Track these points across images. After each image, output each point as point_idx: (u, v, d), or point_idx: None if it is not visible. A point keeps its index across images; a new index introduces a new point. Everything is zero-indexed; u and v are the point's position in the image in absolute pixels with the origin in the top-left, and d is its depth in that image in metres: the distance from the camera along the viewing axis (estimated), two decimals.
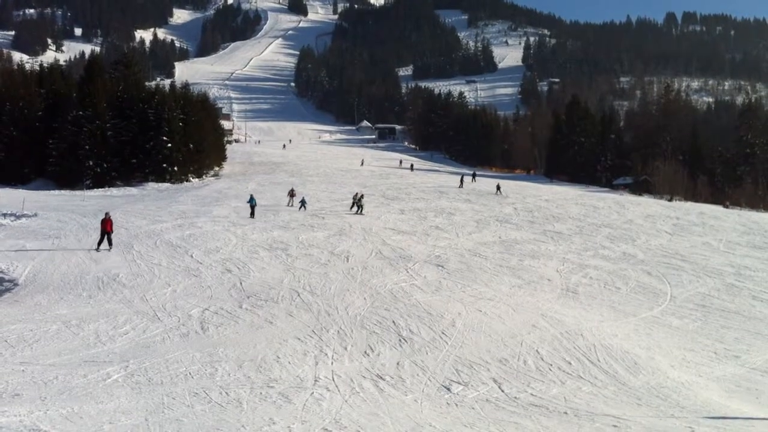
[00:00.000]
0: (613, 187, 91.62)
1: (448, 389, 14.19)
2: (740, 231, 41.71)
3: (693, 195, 76.91)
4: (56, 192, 58.10)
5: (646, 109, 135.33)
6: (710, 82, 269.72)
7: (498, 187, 57.78)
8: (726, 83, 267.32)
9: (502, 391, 14.31)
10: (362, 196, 44.54)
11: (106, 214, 30.28)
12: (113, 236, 30.06)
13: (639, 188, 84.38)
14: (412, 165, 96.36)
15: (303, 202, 43.93)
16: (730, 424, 12.64)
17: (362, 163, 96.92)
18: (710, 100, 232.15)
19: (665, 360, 18.02)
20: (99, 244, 29.17)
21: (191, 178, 70.67)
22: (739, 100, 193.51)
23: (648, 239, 37.26)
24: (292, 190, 48.21)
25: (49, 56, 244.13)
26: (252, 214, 39.08)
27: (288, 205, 45.12)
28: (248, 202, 40.66)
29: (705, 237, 38.87)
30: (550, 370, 16.08)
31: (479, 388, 14.37)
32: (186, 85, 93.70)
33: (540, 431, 11.25)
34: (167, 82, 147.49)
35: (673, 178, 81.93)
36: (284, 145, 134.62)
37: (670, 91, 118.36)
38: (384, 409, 12.17)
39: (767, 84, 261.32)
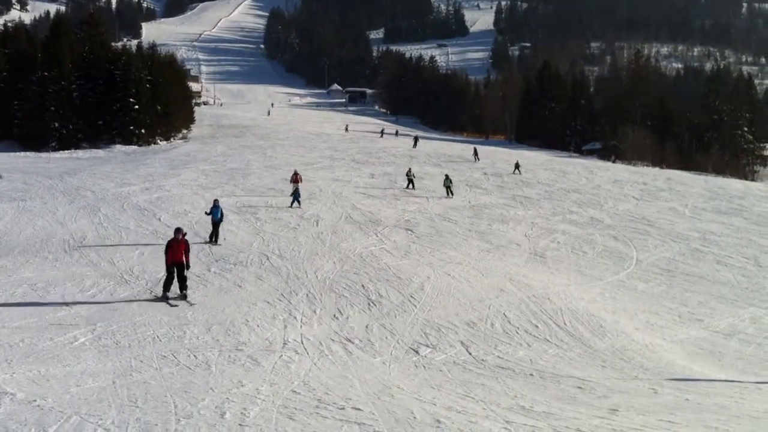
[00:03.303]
0: (582, 152, 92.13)
1: (417, 352, 14.30)
2: (706, 197, 42.22)
3: (661, 160, 77.56)
4: (21, 154, 57.27)
5: (616, 75, 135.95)
6: (680, 48, 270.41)
7: (516, 165, 49.13)
8: (695, 49, 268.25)
9: (470, 353, 14.45)
10: (447, 176, 39.28)
11: (178, 231, 17.15)
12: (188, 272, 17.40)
13: (608, 154, 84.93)
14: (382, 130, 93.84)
15: (296, 196, 32.69)
16: (692, 385, 12.88)
17: (346, 129, 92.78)
18: (679, 66, 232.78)
19: (630, 323, 18.31)
20: (167, 286, 16.86)
21: (159, 141, 69.94)
22: (708, 66, 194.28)
23: (615, 204, 37.61)
24: (296, 175, 36.36)
25: (13, 15, 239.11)
26: (214, 237, 24.72)
27: (291, 196, 33.52)
28: (209, 212, 25.39)
29: (671, 202, 39.30)
30: (517, 333, 16.26)
31: (447, 351, 14.50)
32: (153, 46, 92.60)
33: (506, 392, 11.39)
34: (134, 42, 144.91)
35: (641, 144, 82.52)
36: (269, 112, 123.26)
37: (639, 56, 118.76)
38: (352, 372, 12.24)
39: (736, 50, 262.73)
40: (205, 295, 17.76)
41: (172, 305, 15.95)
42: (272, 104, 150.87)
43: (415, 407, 9.91)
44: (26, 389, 10.07)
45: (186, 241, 16.96)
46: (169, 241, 16.86)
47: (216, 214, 24.78)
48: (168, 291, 16.49)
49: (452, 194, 37.91)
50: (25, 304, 16.52)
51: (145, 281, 18.90)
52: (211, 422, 8.73)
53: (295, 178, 35.68)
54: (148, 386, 10.44)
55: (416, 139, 72.31)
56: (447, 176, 39.43)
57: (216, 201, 25.72)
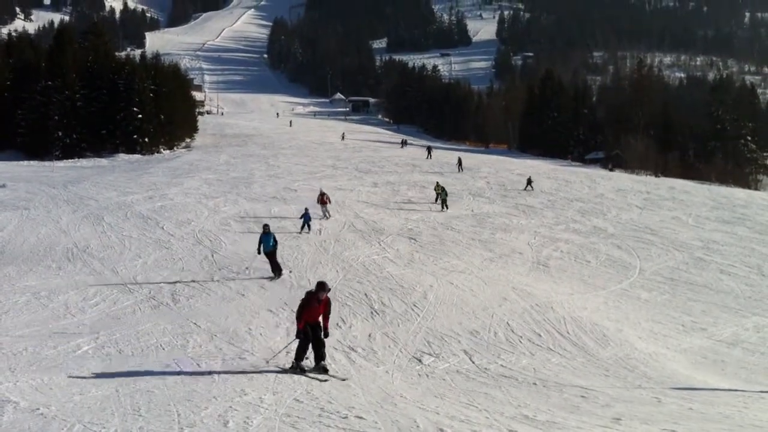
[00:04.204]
0: (585, 161, 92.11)
1: (420, 361, 14.28)
2: (710, 206, 42.14)
3: (663, 170, 77.50)
4: (25, 163, 57.45)
5: (618, 84, 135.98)
6: (682, 57, 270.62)
7: (529, 181, 45.30)
8: (698, 59, 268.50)
9: (473, 362, 14.42)
10: (442, 188, 37.38)
11: (322, 288, 12.66)
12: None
13: (613, 163, 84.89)
14: (404, 141, 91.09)
15: (306, 219, 28.61)
16: (696, 394, 12.84)
17: (343, 137, 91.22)
18: (682, 75, 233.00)
19: (633, 332, 18.26)
20: (300, 355, 12.64)
21: (162, 150, 70.15)
22: (711, 75, 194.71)
23: (618, 213, 37.54)
24: (322, 195, 32.91)
25: (17, 25, 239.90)
26: (276, 271, 21.00)
27: (324, 217, 31.72)
28: (260, 249, 21.21)
29: (675, 211, 39.23)
30: (520, 342, 16.23)
31: (450, 360, 14.47)
32: (157, 56, 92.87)
33: (509, 401, 11.37)
34: (138, 52, 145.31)
35: (644, 154, 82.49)
36: (291, 122, 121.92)
37: (642, 66, 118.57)
38: (355, 380, 12.22)
39: (739, 60, 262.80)
40: (208, 303, 17.80)
41: (320, 380, 11.91)
42: (277, 114, 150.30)
43: (418, 416, 9.89)
44: (29, 398, 10.07)
45: (328, 299, 12.85)
46: (308, 297, 12.75)
47: (268, 244, 21.08)
48: (302, 361, 12.61)
49: (447, 207, 36.24)
50: (28, 313, 16.56)
51: (149, 290, 18.94)
52: (214, 431, 8.72)
53: (322, 199, 32.35)
54: (151, 395, 10.44)
55: (429, 149, 69.25)
56: (442, 188, 37.40)
57: (266, 227, 21.75)
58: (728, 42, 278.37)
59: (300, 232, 28.12)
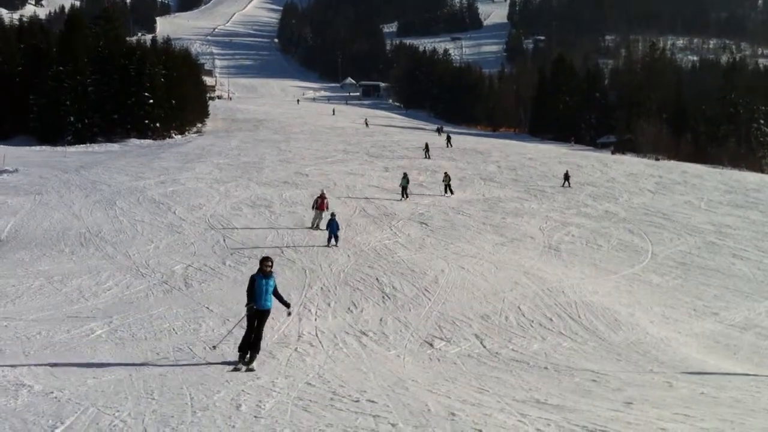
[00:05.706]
0: (597, 146, 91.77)
1: (431, 345, 14.30)
2: (722, 190, 41.91)
3: (676, 154, 77.04)
4: (37, 148, 57.59)
5: (631, 68, 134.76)
6: (695, 40, 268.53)
7: (566, 177, 40.87)
8: (711, 42, 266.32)
9: (484, 346, 14.43)
10: (405, 175, 35.41)
11: None
12: None
13: (623, 147, 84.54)
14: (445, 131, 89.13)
15: (332, 230, 23.83)
16: (707, 379, 12.82)
17: (366, 124, 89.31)
18: (695, 59, 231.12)
19: (645, 316, 18.22)
20: None
21: (174, 135, 70.15)
22: (724, 59, 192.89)
23: (630, 197, 37.40)
24: (322, 199, 26.98)
25: (28, 10, 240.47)
26: (248, 346, 11.60)
27: (313, 227, 26.63)
28: (251, 302, 11.61)
29: (687, 196, 39.06)
30: (532, 326, 16.23)
31: (461, 344, 14.49)
32: (168, 41, 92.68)
33: (521, 386, 11.38)
34: (148, 37, 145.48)
35: (656, 137, 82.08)
36: (333, 110, 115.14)
37: (655, 49, 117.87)
38: (367, 364, 12.25)
39: (752, 43, 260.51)
40: (220, 288, 17.88)
41: None
42: (298, 100, 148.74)
43: (429, 400, 9.91)
44: (43, 381, 10.14)
45: None
46: None
47: (262, 296, 11.75)
48: None
49: (407, 196, 34.29)
50: (41, 297, 16.66)
51: (161, 274, 19.03)
52: (226, 414, 8.76)
53: (321, 204, 26.75)
54: (164, 378, 10.49)
55: (448, 137, 65.80)
56: (405, 175, 35.52)
57: (266, 264, 11.93)
58: (741, 25, 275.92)
59: (327, 245, 23.62)
